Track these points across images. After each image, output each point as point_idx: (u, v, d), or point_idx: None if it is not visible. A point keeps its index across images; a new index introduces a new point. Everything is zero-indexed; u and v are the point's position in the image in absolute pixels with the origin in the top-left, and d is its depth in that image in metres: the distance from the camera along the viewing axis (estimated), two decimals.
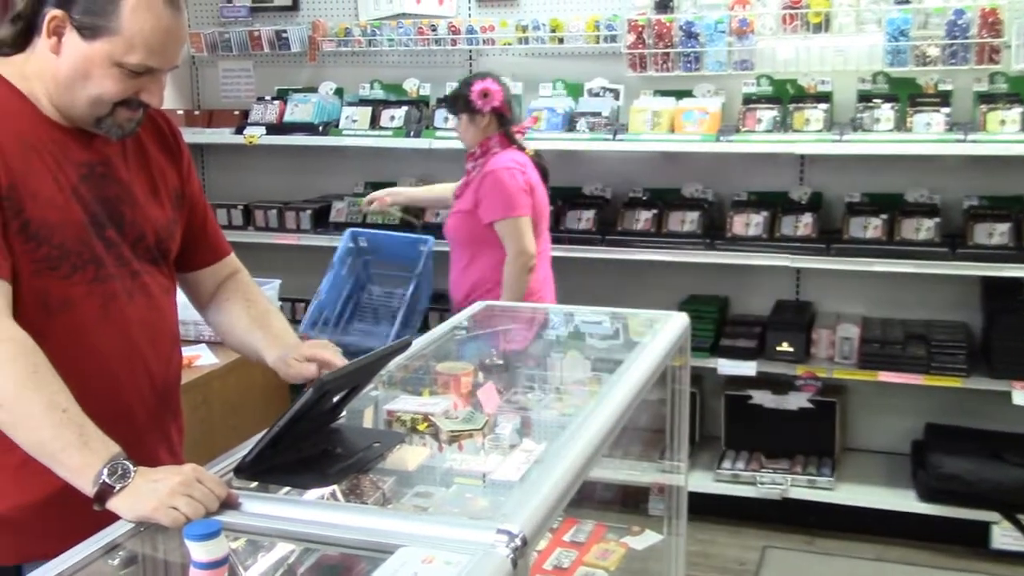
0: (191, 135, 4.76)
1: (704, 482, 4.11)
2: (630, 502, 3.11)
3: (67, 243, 1.60)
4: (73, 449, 1.43)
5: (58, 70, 1.59)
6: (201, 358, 3.03)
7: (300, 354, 1.78)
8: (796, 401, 4.18)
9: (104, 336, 1.66)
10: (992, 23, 3.72)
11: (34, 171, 1.58)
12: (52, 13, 1.56)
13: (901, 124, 3.82)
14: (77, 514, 1.43)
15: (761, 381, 4.14)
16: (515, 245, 3.50)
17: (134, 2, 1.54)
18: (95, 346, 1.65)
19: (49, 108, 1.63)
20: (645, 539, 2.61)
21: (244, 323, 1.89)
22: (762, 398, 4.22)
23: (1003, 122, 3.69)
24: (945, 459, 3.91)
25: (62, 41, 1.57)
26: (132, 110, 1.63)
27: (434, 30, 4.46)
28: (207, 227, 1.93)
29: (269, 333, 1.86)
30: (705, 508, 3.98)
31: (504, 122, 3.57)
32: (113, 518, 1.42)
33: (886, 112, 3.83)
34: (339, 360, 1.76)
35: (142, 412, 1.74)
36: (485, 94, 3.52)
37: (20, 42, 1.63)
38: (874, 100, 3.89)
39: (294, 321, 4.63)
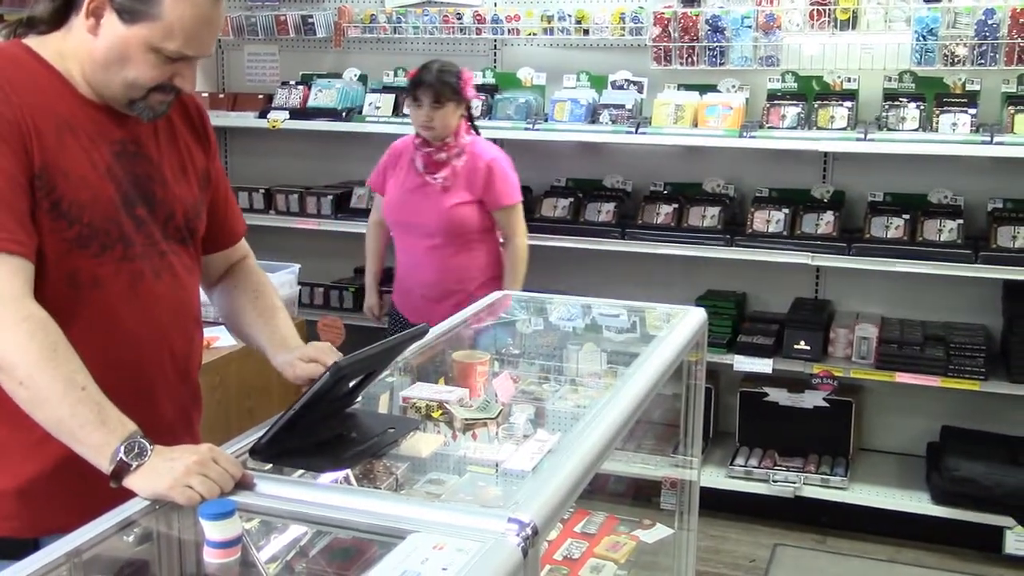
0: (215, 118, 4.71)
1: (717, 478, 4.11)
2: (642, 495, 3.12)
3: (96, 221, 1.61)
4: (91, 427, 1.45)
5: (95, 51, 1.60)
6: (220, 340, 3.04)
7: (304, 355, 1.79)
8: (812, 400, 4.16)
9: (131, 314, 1.67)
10: (1023, 24, 3.68)
11: (68, 150, 1.59)
12: None
13: (927, 124, 3.79)
14: (94, 488, 1.44)
15: (777, 379, 4.13)
16: (522, 229, 3.73)
17: None
18: (122, 324, 1.66)
19: (84, 87, 1.64)
20: (656, 533, 2.61)
21: (250, 317, 1.90)
22: (778, 396, 4.21)
23: None
24: (960, 462, 3.89)
25: (101, 23, 1.58)
26: (165, 94, 1.65)
27: (459, 18, 4.46)
28: (228, 211, 1.95)
29: (275, 333, 1.86)
30: (717, 504, 3.98)
31: (468, 108, 3.70)
32: (130, 493, 1.44)
33: (912, 111, 3.80)
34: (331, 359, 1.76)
35: (164, 390, 1.75)
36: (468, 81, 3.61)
37: (56, 19, 1.64)
38: (900, 99, 3.86)
39: (312, 306, 4.66)
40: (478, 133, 3.75)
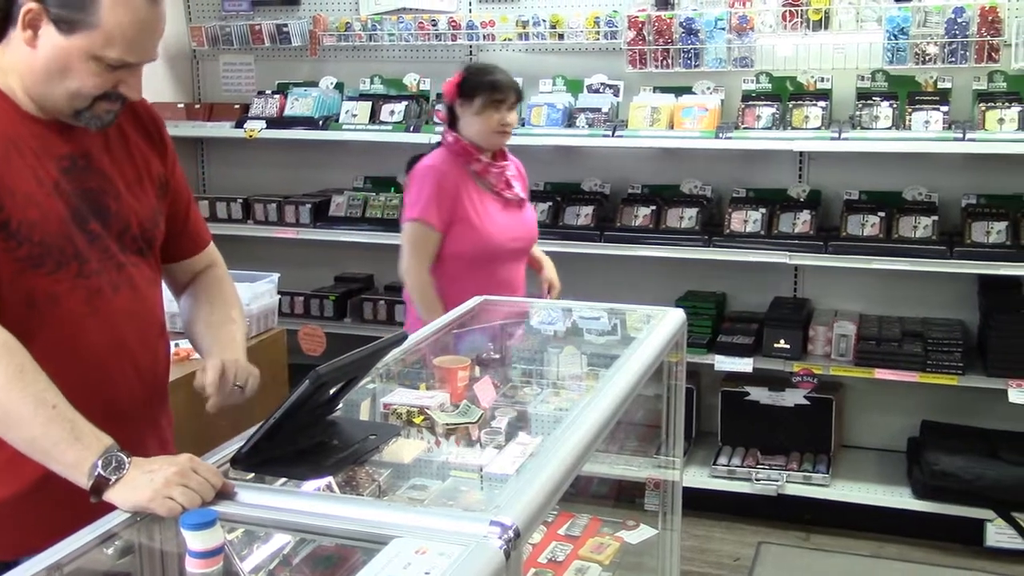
0: (191, 128, 4.77)
1: (700, 478, 4.13)
2: (625, 497, 3.12)
3: (48, 239, 1.58)
4: (65, 444, 1.44)
5: (35, 63, 1.56)
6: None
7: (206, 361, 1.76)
8: (792, 398, 4.19)
9: (91, 330, 1.65)
10: (992, 21, 3.72)
11: (14, 169, 1.56)
12: (28, 6, 1.53)
13: (900, 122, 3.83)
14: (70, 508, 1.43)
15: (758, 378, 4.15)
16: None
17: None
18: (82, 341, 1.64)
19: (26, 102, 1.61)
20: (640, 533, 2.62)
21: (200, 327, 1.88)
22: (759, 394, 4.23)
23: (1002, 121, 3.70)
24: (941, 456, 3.92)
25: (38, 34, 1.54)
26: (111, 102, 1.61)
27: (434, 25, 4.47)
28: (189, 218, 1.92)
29: (214, 346, 1.82)
30: (701, 504, 4.00)
31: None
32: (109, 508, 1.43)
33: (885, 110, 3.84)
34: (234, 379, 1.74)
35: (131, 404, 1.74)
36: None
37: None
38: (873, 98, 3.90)
39: (292, 315, 4.65)
40: None
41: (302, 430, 1.65)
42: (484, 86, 3.11)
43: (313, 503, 1.46)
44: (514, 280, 3.27)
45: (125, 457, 1.44)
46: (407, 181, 3.23)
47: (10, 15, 1.56)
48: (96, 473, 1.42)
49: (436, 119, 4.15)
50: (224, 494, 1.44)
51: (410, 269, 3.16)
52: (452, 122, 3.20)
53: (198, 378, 1.75)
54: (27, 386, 1.46)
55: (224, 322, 1.88)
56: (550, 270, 3.52)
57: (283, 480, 1.60)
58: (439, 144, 3.23)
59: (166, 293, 1.94)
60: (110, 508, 1.43)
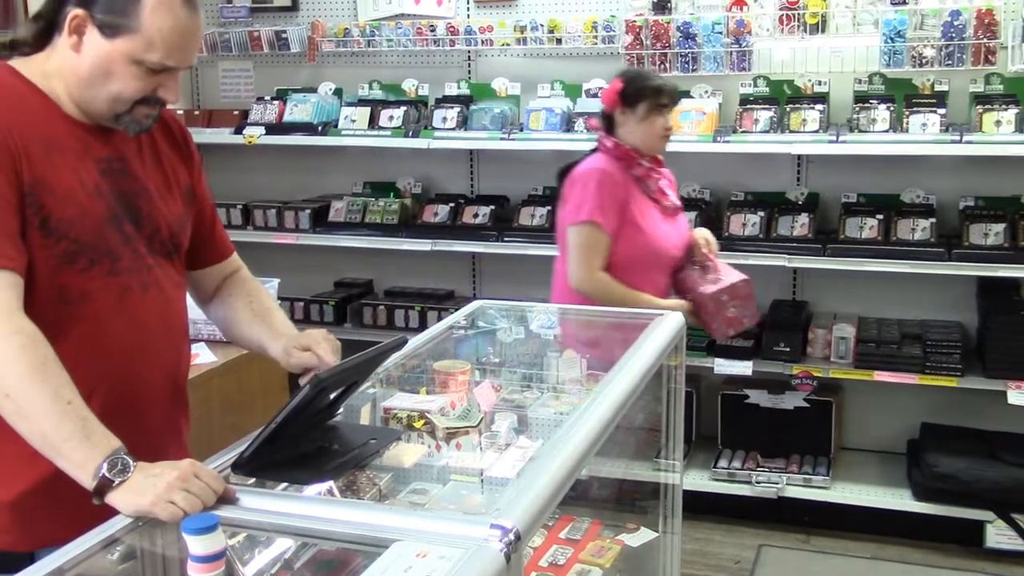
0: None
1: (701, 481, 4.13)
2: (626, 500, 3.13)
3: (84, 237, 1.63)
4: (75, 442, 1.46)
5: (79, 68, 1.63)
6: (200, 356, 3.04)
7: (299, 344, 1.82)
8: (792, 400, 4.20)
9: (119, 328, 1.69)
10: (988, 24, 3.73)
11: (55, 168, 1.62)
12: (74, 12, 1.60)
13: (897, 125, 3.84)
14: (87, 501, 1.44)
15: (757, 380, 4.16)
16: None
17: (154, 2, 1.59)
18: (110, 338, 1.68)
19: (70, 106, 1.67)
20: (640, 536, 2.63)
21: (246, 317, 1.93)
22: (758, 397, 4.24)
23: (999, 123, 3.71)
24: (940, 458, 3.92)
25: (83, 39, 1.61)
26: (150, 107, 1.67)
27: (433, 31, 4.48)
28: (215, 227, 1.99)
29: (271, 327, 1.90)
30: (702, 507, 4.00)
31: None
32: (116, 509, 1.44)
33: (882, 113, 3.85)
34: (329, 355, 1.79)
35: (154, 403, 1.77)
36: None
37: (41, 41, 1.68)
38: (870, 101, 3.91)
39: (292, 320, 4.63)
40: None
41: (303, 435, 1.66)
42: (648, 92, 3.05)
43: (314, 507, 1.47)
44: (668, 288, 3.21)
45: (131, 461, 1.45)
46: (566, 186, 3.13)
47: (56, 23, 1.64)
48: (101, 474, 1.43)
49: (588, 127, 4.02)
50: (226, 499, 1.45)
51: (581, 273, 3.04)
52: (608, 130, 3.12)
53: (298, 360, 1.79)
54: (47, 380, 1.48)
55: (270, 310, 1.95)
56: (697, 231, 3.31)
57: (284, 485, 1.60)
58: (594, 150, 3.15)
59: (190, 303, 1.98)
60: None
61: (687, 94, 4.16)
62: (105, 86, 1.62)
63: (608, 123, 3.13)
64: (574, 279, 3.05)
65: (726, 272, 3.21)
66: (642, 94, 3.05)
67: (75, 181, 1.64)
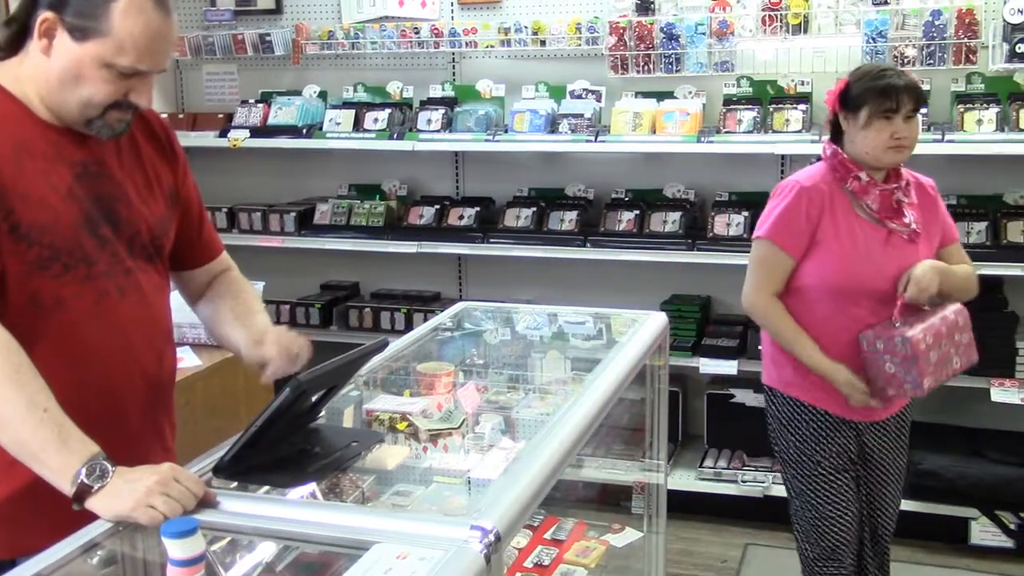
0: None
1: (687, 480, 4.14)
2: (612, 500, 3.14)
3: (57, 243, 1.62)
4: (52, 449, 1.45)
5: (50, 72, 1.61)
6: (184, 360, 3.04)
7: (258, 341, 1.81)
8: None
9: (97, 333, 1.68)
10: (969, 24, 3.76)
11: (26, 173, 1.60)
12: (44, 15, 1.59)
13: None
14: (68, 507, 1.44)
15: (743, 380, 4.16)
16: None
17: (124, 4, 1.57)
18: (88, 344, 1.67)
19: (42, 110, 1.66)
20: (625, 537, 2.64)
21: (228, 319, 1.92)
22: (744, 396, 4.24)
23: (980, 122, 3.73)
24: (925, 455, 3.94)
25: (53, 43, 1.60)
26: (122, 111, 1.66)
27: (417, 33, 4.48)
28: (203, 227, 1.97)
29: (249, 330, 1.88)
30: (688, 506, 4.01)
31: None
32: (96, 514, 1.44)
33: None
34: (273, 352, 1.78)
35: (136, 408, 1.76)
36: None
37: (12, 46, 1.66)
38: None
39: (278, 323, 4.62)
40: None
41: (284, 438, 1.66)
42: (871, 94, 2.59)
43: (294, 510, 1.47)
44: (884, 320, 2.64)
45: (110, 466, 1.45)
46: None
47: (28, 27, 1.63)
48: (79, 480, 1.43)
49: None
50: (206, 503, 1.45)
51: (750, 291, 2.74)
52: (835, 135, 2.73)
53: (251, 355, 1.79)
54: (22, 387, 1.48)
55: (249, 311, 1.93)
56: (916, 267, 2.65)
57: (267, 488, 1.60)
58: (820, 158, 2.78)
59: (178, 306, 1.97)
60: None
61: (671, 95, 4.18)
62: (76, 90, 1.61)
63: (835, 128, 2.74)
64: (743, 294, 2.78)
65: (918, 326, 2.58)
66: (864, 97, 2.59)
67: (46, 186, 1.62)
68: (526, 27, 4.32)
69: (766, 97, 4.08)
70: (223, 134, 4.64)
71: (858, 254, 2.61)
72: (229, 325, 1.91)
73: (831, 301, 2.63)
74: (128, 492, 1.41)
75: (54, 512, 1.48)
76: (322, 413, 1.81)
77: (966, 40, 3.76)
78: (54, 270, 1.62)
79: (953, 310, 2.68)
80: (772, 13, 3.94)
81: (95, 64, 1.59)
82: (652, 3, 4.15)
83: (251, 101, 4.75)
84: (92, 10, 1.57)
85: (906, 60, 3.82)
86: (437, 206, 4.51)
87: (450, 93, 4.49)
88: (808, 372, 2.68)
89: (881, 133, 2.58)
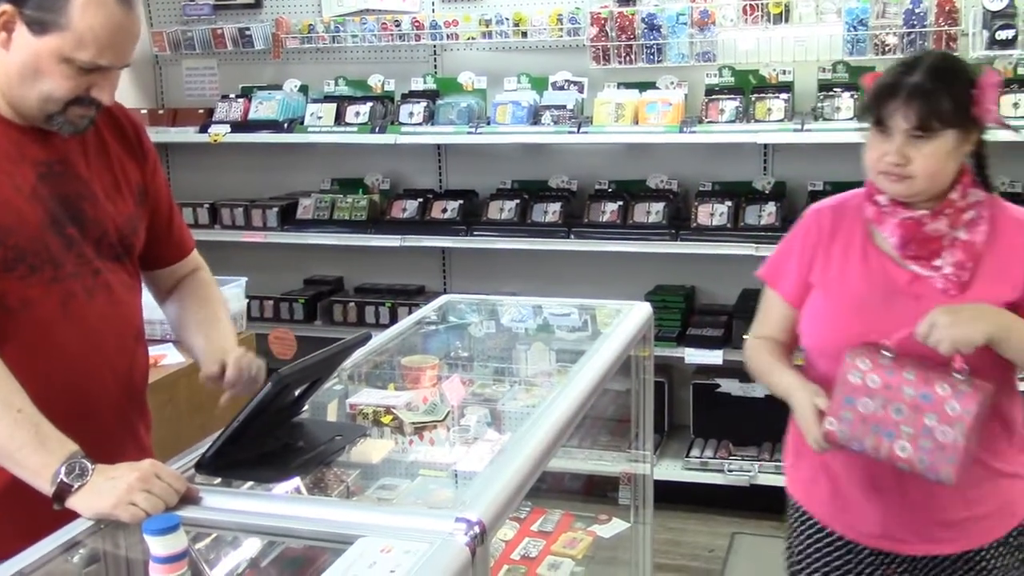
0: (155, 134, 4.72)
1: (674, 470, 4.15)
2: (598, 491, 3.14)
3: (22, 244, 1.59)
4: (29, 449, 1.43)
5: (8, 66, 1.58)
6: (167, 357, 3.02)
7: (223, 358, 1.77)
8: (763, 389, 4.20)
9: (65, 335, 1.65)
10: (949, 11, 3.76)
11: None
12: (2, 8, 1.55)
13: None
14: (40, 513, 1.43)
15: (728, 369, 4.17)
16: None
17: None
18: (57, 345, 1.64)
19: (4, 107, 1.62)
20: (612, 527, 2.64)
21: (190, 327, 1.89)
22: (729, 386, 4.26)
23: None
24: None
25: (12, 37, 1.56)
26: (84, 108, 1.62)
27: (398, 25, 4.46)
28: (172, 225, 1.93)
29: (209, 340, 1.84)
30: (675, 496, 4.02)
31: (981, 142, 1.96)
32: (76, 514, 1.42)
33: (846, 101, 3.87)
34: (233, 375, 1.75)
35: (108, 409, 1.74)
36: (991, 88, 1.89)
37: None
38: (834, 89, 3.93)
39: (262, 319, 4.62)
40: (988, 186, 1.97)
41: (267, 433, 1.65)
42: (868, 103, 1.93)
43: (278, 505, 1.47)
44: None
45: (89, 464, 1.43)
46: None
47: None
48: (59, 479, 1.41)
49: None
50: (189, 499, 1.44)
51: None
52: None
53: (206, 370, 1.77)
54: None
55: (214, 320, 1.89)
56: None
57: (251, 484, 1.59)
58: None
59: (155, 303, 1.95)
60: (78, 515, 1.42)
61: (653, 85, 4.18)
62: (35, 85, 1.57)
63: None
64: None
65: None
66: (868, 102, 1.94)
67: (10, 187, 1.59)
68: (507, 19, 4.30)
69: (748, 87, 4.08)
70: (204, 129, 4.61)
71: (848, 305, 1.93)
72: (192, 333, 1.88)
73: (825, 367, 1.93)
74: (109, 489, 1.40)
75: (32, 515, 1.47)
76: (305, 407, 1.80)
77: (946, 27, 3.77)
78: (19, 271, 1.59)
79: (963, 390, 1.72)
80: (753, 3, 3.94)
81: (54, 59, 1.55)
82: None
83: (231, 96, 4.72)
84: (51, 3, 1.53)
85: (887, 48, 3.83)
86: (420, 199, 4.49)
87: (432, 86, 4.47)
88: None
89: (871, 151, 1.92)
